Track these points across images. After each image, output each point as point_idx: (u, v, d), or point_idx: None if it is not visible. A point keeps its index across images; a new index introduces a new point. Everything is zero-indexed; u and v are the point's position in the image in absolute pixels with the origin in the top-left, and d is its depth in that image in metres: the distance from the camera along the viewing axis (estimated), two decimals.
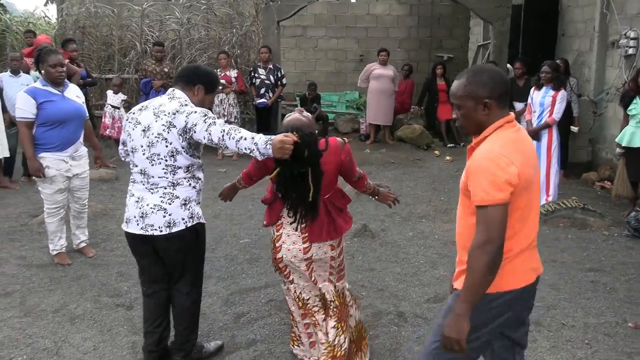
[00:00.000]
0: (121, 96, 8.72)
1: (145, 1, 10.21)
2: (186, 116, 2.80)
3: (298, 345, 3.23)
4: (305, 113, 2.93)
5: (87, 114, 4.77)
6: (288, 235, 2.92)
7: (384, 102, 10.00)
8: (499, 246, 2.03)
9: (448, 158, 9.22)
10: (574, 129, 7.85)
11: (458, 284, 2.21)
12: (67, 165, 4.50)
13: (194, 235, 3.00)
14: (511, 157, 2.07)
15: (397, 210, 6.31)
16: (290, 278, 3.02)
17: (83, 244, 4.91)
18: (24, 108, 4.33)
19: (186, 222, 2.92)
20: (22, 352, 3.37)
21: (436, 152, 9.75)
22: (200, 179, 3.03)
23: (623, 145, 5.99)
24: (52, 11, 17.71)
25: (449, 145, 10.25)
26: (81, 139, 4.65)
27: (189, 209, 2.93)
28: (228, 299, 4.09)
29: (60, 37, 9.79)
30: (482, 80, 2.16)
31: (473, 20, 13.26)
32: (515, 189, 2.06)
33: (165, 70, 8.67)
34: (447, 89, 10.67)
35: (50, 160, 4.41)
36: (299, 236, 2.89)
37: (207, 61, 9.68)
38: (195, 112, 2.82)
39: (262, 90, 8.75)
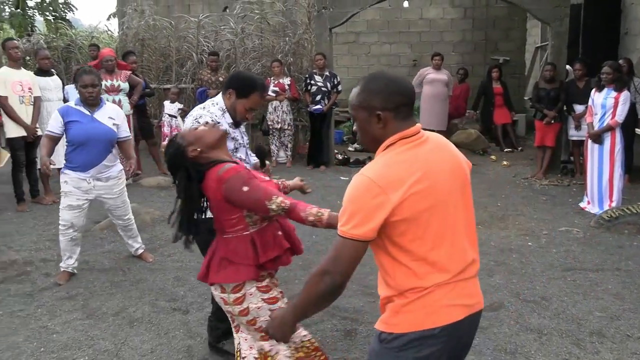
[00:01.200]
0: (178, 105, 8.97)
1: (201, 13, 10.48)
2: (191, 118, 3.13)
3: None
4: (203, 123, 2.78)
5: (126, 134, 4.65)
6: None
7: (437, 106, 9.86)
8: (340, 282, 1.85)
9: (505, 163, 9.01)
10: None
11: (379, 322, 1.95)
12: (88, 185, 4.43)
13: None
14: (381, 185, 1.78)
15: None
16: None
17: (140, 251, 5.04)
18: (52, 124, 4.42)
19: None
20: (84, 353, 3.50)
21: (493, 157, 9.55)
22: None
23: None
24: (114, 25, 18.42)
25: (505, 150, 10.03)
26: (108, 161, 4.50)
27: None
28: None
29: (121, 49, 10.15)
30: (376, 88, 1.90)
31: (530, 22, 12.93)
32: (391, 218, 1.79)
33: (220, 79, 8.86)
34: (504, 92, 10.46)
35: (70, 177, 4.40)
36: None
37: (261, 69, 9.82)
38: (195, 116, 3.12)
39: (318, 97, 8.80)
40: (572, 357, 3.37)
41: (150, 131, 8.54)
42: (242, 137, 3.34)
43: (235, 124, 3.26)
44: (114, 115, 4.53)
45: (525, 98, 12.36)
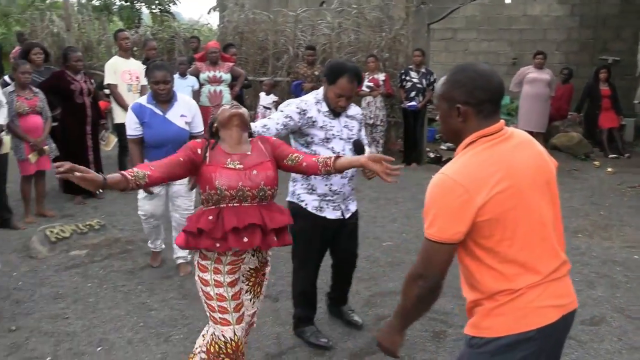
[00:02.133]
0: (272, 97, 9.13)
1: (299, 7, 10.63)
2: None
3: None
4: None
5: (199, 130, 4.43)
6: None
7: (538, 107, 9.45)
8: (433, 284, 1.81)
9: (609, 170, 8.48)
10: None
11: (468, 327, 1.90)
12: None
13: (291, 212, 2.93)
14: (464, 184, 1.72)
15: None
16: None
17: (180, 260, 4.63)
18: (130, 126, 4.24)
19: (289, 196, 3.40)
20: (179, 331, 3.66)
21: (596, 162, 9.02)
22: None
23: None
24: (214, 19, 19.09)
25: (611, 156, 9.44)
26: None
27: (293, 186, 3.39)
28: (369, 300, 4.11)
29: (221, 42, 10.49)
30: (460, 80, 1.81)
31: None
32: (479, 219, 1.72)
33: (316, 73, 8.93)
34: (612, 94, 9.84)
35: None
36: None
37: (357, 64, 9.81)
38: (284, 105, 3.30)
39: (413, 94, 8.68)
40: None
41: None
42: (342, 129, 3.31)
43: (334, 114, 3.29)
44: (185, 111, 4.34)
45: (636, 102, 11.57)
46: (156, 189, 4.30)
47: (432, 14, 8.94)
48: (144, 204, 4.44)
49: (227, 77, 7.81)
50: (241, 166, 2.58)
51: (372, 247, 5.16)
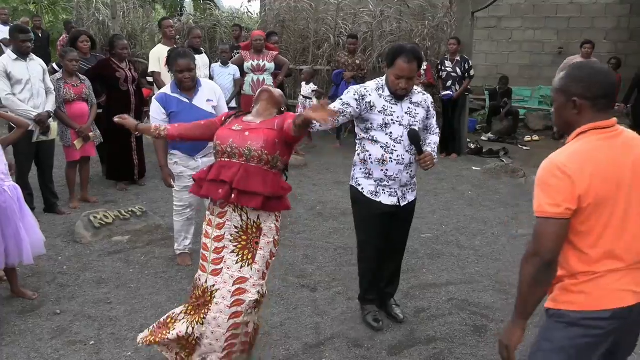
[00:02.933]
0: (312, 86, 9.10)
1: None
2: None
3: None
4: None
5: (225, 110, 4.32)
6: None
7: None
8: (547, 261, 1.90)
9: None
10: None
11: (551, 302, 2.05)
12: (197, 163, 4.29)
13: (351, 196, 3.51)
14: (571, 167, 1.87)
15: None
16: None
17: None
18: (155, 117, 4.17)
19: (351, 180, 3.53)
20: None
21: None
22: (368, 151, 3.35)
23: None
24: (254, 7, 19.14)
25: None
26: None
27: (353, 171, 3.49)
28: (408, 292, 4.07)
29: (263, 30, 10.51)
30: (578, 76, 1.97)
31: None
32: (580, 205, 1.87)
33: (357, 62, 8.87)
34: None
35: (179, 157, 4.29)
36: None
37: None
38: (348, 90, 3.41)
39: (449, 83, 8.53)
40: None
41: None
42: (403, 115, 3.30)
43: (396, 98, 3.30)
44: (211, 96, 4.32)
45: None
46: (188, 181, 4.14)
47: (476, 2, 8.75)
48: (182, 194, 4.38)
49: (270, 66, 7.82)
50: (240, 128, 2.89)
51: (411, 239, 5.05)
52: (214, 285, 2.78)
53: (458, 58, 8.56)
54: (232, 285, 2.76)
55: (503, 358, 2.08)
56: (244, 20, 13.32)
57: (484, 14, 11.16)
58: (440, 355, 3.26)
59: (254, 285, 2.78)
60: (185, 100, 4.20)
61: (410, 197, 3.46)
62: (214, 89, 4.43)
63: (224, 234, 2.82)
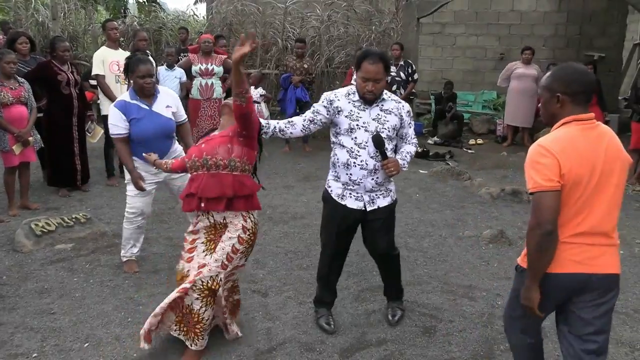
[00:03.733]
0: (260, 91, 9.06)
1: None
2: None
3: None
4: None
5: (183, 118, 4.47)
6: None
7: (524, 102, 9.51)
8: (547, 231, 2.20)
9: None
10: None
11: (519, 259, 2.51)
12: (154, 171, 4.26)
13: (322, 196, 3.60)
14: (555, 150, 2.22)
15: None
16: None
17: None
18: (115, 124, 4.13)
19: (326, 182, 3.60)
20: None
21: None
22: (337, 154, 3.40)
23: None
24: (200, 9, 18.91)
25: None
26: (174, 145, 4.43)
27: (328, 173, 3.55)
28: (359, 295, 4.11)
29: (210, 33, 10.40)
30: (561, 75, 2.34)
31: (630, 17, 12.17)
32: (561, 181, 2.21)
33: (305, 66, 8.91)
34: (597, 90, 9.91)
35: (139, 162, 4.24)
36: None
37: (345, 58, 9.79)
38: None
39: (394, 87, 8.68)
40: None
41: None
42: (369, 120, 3.32)
43: (365, 103, 3.34)
44: (170, 102, 4.31)
45: (620, 98, 11.69)
46: (150, 188, 4.34)
47: (421, 8, 8.94)
48: (135, 201, 4.34)
49: (219, 70, 7.75)
50: (201, 142, 3.25)
51: (361, 242, 5.14)
52: (189, 271, 3.21)
53: (402, 62, 8.72)
54: (197, 270, 3.15)
55: (531, 315, 2.39)
56: (190, 23, 13.14)
57: (428, 20, 11.42)
58: (391, 357, 3.30)
59: (209, 270, 3.11)
60: (145, 106, 4.18)
61: (382, 203, 3.44)
62: (171, 94, 4.43)
63: (198, 230, 3.25)
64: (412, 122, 3.52)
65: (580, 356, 2.38)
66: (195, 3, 17.11)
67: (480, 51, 12.98)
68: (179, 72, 7.65)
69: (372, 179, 3.35)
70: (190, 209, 3.19)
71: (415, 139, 3.55)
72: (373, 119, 3.33)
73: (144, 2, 17.41)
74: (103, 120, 6.93)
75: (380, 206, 3.44)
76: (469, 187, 7.13)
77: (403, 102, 3.50)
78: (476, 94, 12.46)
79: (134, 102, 4.16)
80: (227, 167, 3.09)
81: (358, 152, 3.31)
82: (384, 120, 3.34)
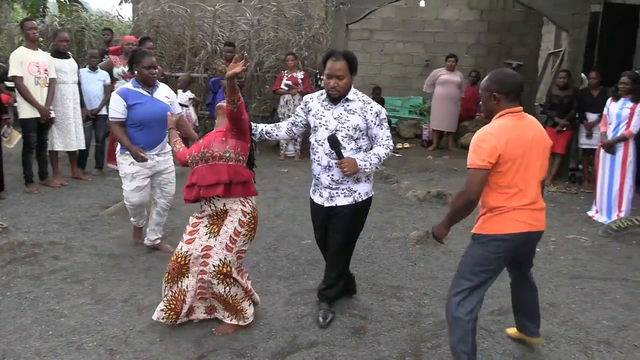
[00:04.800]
0: (189, 94, 8.92)
1: (217, 2, 10.44)
2: None
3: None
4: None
5: (180, 111, 4.86)
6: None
7: (449, 108, 9.85)
8: (471, 199, 2.87)
9: None
10: None
11: (475, 229, 3.05)
12: (152, 162, 4.61)
13: None
14: (496, 137, 2.82)
15: None
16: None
17: (158, 241, 4.95)
18: (115, 109, 4.50)
19: None
20: (92, 338, 3.50)
21: None
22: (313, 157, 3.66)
23: None
24: (125, 10, 18.38)
25: None
26: (167, 137, 4.65)
27: None
28: (290, 299, 4.11)
29: (136, 35, 10.13)
30: (497, 78, 2.96)
31: (545, 27, 12.85)
32: (497, 161, 2.82)
33: None
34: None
35: (133, 159, 4.53)
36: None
37: (275, 62, 9.79)
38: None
39: None
40: None
41: None
42: (331, 119, 3.48)
43: (330, 102, 3.50)
44: (168, 94, 4.77)
45: (536, 104, 12.31)
46: (141, 181, 4.66)
47: (350, 15, 9.07)
48: (132, 195, 4.70)
49: None
50: (200, 140, 3.56)
51: (291, 246, 5.18)
52: (187, 252, 3.45)
53: None
54: (201, 252, 3.43)
55: (438, 241, 3.14)
56: (114, 24, 12.75)
57: (357, 26, 11.61)
58: (322, 359, 3.33)
59: (216, 252, 3.41)
60: (147, 93, 4.58)
61: (341, 202, 3.56)
62: (169, 89, 4.90)
63: (203, 218, 3.51)
64: (384, 124, 3.55)
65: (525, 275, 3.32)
66: (120, 3, 16.58)
67: (407, 58, 13.32)
68: (102, 75, 7.41)
69: (328, 175, 3.52)
70: (190, 197, 3.42)
71: (389, 141, 3.58)
72: (335, 118, 3.47)
73: (65, 1, 16.69)
74: (21, 124, 6.62)
75: (339, 204, 3.56)
76: (397, 190, 7.30)
77: (373, 104, 3.54)
78: (403, 100, 12.78)
79: (137, 89, 4.57)
80: (222, 157, 3.39)
81: (317, 149, 3.54)
82: (345, 119, 3.46)
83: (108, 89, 7.41)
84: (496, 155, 2.79)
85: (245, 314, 3.57)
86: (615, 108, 6.28)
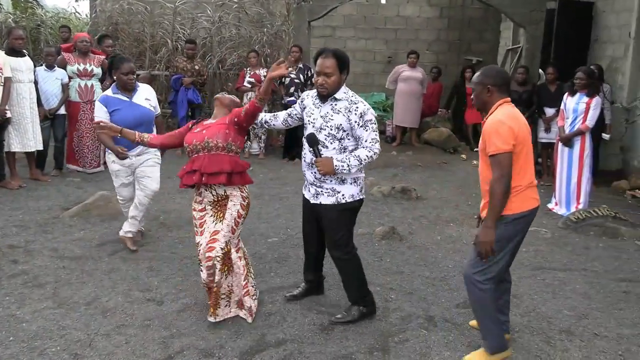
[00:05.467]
0: None
1: None
2: None
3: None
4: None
5: (158, 111, 5.05)
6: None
7: (411, 104, 9.96)
8: (508, 179, 3.05)
9: (475, 162, 9.12)
10: (606, 136, 7.73)
11: (484, 214, 3.21)
12: (131, 160, 4.79)
13: None
14: (510, 122, 3.09)
15: (424, 213, 6.28)
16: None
17: (129, 234, 4.97)
18: (98, 115, 4.70)
19: None
20: (55, 343, 3.42)
21: (463, 156, 9.68)
22: None
23: None
24: (82, 7, 17.95)
25: (475, 150, 10.15)
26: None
27: None
28: (257, 297, 4.09)
29: (93, 32, 9.92)
30: (489, 73, 3.25)
31: (503, 24, 13.11)
32: (515, 143, 3.06)
33: (196, 67, 8.75)
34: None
35: (115, 158, 4.71)
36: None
37: (237, 60, 9.73)
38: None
39: (292, 89, 8.75)
40: (542, 354, 3.46)
41: None
42: (317, 118, 3.52)
43: (320, 99, 3.55)
44: (149, 95, 4.93)
45: None
46: (124, 179, 4.91)
47: (312, 12, 9.08)
48: (120, 191, 4.99)
49: (98, 70, 7.43)
50: (199, 129, 3.73)
51: (258, 244, 5.16)
52: (199, 243, 3.67)
53: (300, 65, 8.81)
54: (210, 237, 3.62)
55: (487, 253, 3.12)
56: (72, 22, 12.44)
57: (319, 23, 11.63)
58: (291, 356, 3.33)
59: (223, 235, 3.60)
60: (125, 98, 4.77)
61: (324, 201, 3.58)
62: (149, 89, 5.04)
63: (205, 207, 3.71)
64: (369, 126, 3.45)
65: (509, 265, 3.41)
66: (77, 0, 16.17)
67: (369, 54, 13.40)
68: (60, 73, 7.22)
69: (311, 172, 3.57)
70: (191, 182, 3.62)
71: (373, 143, 3.47)
72: (321, 117, 3.49)
73: None
74: None
75: (323, 203, 3.58)
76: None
77: (360, 104, 3.47)
78: (366, 96, 12.84)
79: (116, 95, 4.76)
80: (225, 149, 3.61)
81: (304, 145, 3.60)
82: (329, 118, 3.47)
83: (66, 88, 7.24)
84: (514, 138, 3.06)
85: (216, 311, 3.67)
86: (571, 103, 6.45)
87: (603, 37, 9.34)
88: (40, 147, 6.99)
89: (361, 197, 3.68)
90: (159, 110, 5.07)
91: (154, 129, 4.95)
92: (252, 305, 3.76)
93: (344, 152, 3.49)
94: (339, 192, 3.56)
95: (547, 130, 7.93)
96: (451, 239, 5.48)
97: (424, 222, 5.99)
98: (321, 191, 3.58)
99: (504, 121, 3.07)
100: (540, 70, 8.86)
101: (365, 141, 3.47)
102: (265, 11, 10.14)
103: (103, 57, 7.59)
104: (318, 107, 3.55)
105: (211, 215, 3.71)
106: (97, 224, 5.55)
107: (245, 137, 4.20)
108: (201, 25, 10.32)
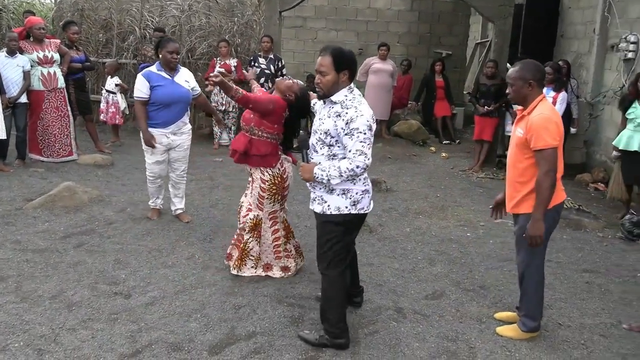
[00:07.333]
0: (116, 80, 8.58)
1: None
2: None
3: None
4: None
5: (198, 92, 5.35)
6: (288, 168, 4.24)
7: (381, 96, 9.98)
8: (555, 173, 3.21)
9: (444, 155, 9.24)
10: (573, 130, 7.88)
11: (524, 208, 3.38)
12: (167, 140, 5.14)
13: None
14: (556, 119, 3.24)
15: (394, 205, 6.32)
16: (284, 204, 4.31)
17: (179, 211, 5.50)
18: (140, 89, 4.95)
19: None
20: (18, 338, 3.34)
21: (432, 148, 9.76)
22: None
23: (620, 148, 6.01)
24: None
25: (444, 142, 10.27)
26: (184, 118, 5.23)
27: None
28: (227, 290, 4.07)
29: (58, 19, 9.66)
30: (529, 67, 3.31)
31: (472, 18, 13.23)
32: (559, 139, 3.21)
33: None
34: (445, 85, 10.68)
35: (154, 133, 5.05)
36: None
37: (207, 49, 9.60)
38: None
39: (262, 80, 8.68)
40: (509, 343, 3.52)
41: (88, 107, 8.16)
42: (316, 120, 3.34)
43: (320, 98, 3.39)
44: (188, 78, 5.23)
45: (465, 92, 12.69)
46: (159, 156, 5.20)
47: (283, 2, 9.00)
48: (153, 167, 5.25)
49: (57, 56, 7.23)
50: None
51: (228, 236, 5.11)
52: (242, 201, 4.36)
53: (271, 56, 8.74)
54: (246, 206, 4.28)
55: (538, 244, 3.30)
56: (35, 7, 12.08)
57: (290, 13, 11.53)
58: (261, 349, 3.32)
59: (249, 209, 4.23)
60: (168, 76, 5.03)
61: (316, 208, 3.35)
62: (189, 73, 5.32)
63: (250, 185, 4.27)
64: (354, 134, 3.09)
65: None
66: None
67: (340, 46, 13.33)
68: (22, 60, 7.00)
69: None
70: (233, 157, 4.16)
71: (356, 155, 3.10)
72: (319, 118, 3.32)
73: None
74: None
75: (314, 210, 3.39)
76: None
77: (350, 110, 3.14)
78: None
79: (160, 72, 5.01)
80: (248, 131, 4.06)
81: None
82: (322, 122, 3.26)
83: (27, 75, 7.03)
84: (559, 134, 3.20)
85: (240, 263, 4.26)
86: None
87: (569, 33, 9.52)
88: (2, 137, 6.77)
89: (351, 211, 3.27)
90: (199, 90, 5.36)
91: (186, 112, 5.27)
92: (287, 264, 4.32)
93: (334, 159, 3.23)
94: (325, 202, 3.30)
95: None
96: (420, 231, 5.53)
97: (393, 214, 6.03)
98: (314, 197, 3.39)
99: (551, 117, 3.20)
100: (508, 65, 8.96)
101: (349, 151, 3.11)
102: (236, 0, 10.02)
103: (58, 41, 7.41)
104: (322, 107, 3.36)
105: (248, 187, 4.31)
106: (62, 215, 5.42)
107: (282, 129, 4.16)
108: (170, 14, 10.14)
